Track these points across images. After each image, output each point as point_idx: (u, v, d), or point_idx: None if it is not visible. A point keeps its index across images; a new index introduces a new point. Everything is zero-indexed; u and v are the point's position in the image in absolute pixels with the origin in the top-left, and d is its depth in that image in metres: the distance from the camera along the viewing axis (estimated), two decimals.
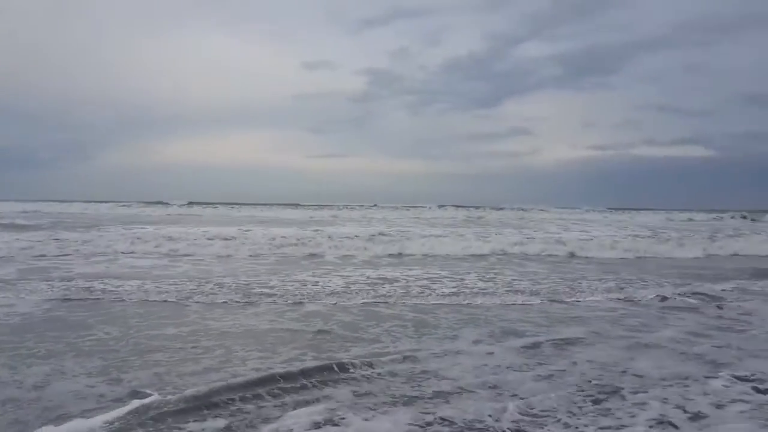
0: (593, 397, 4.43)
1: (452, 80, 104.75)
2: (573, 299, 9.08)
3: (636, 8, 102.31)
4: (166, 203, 52.59)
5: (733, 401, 4.40)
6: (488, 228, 27.35)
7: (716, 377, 5.01)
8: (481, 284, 10.46)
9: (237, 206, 52.19)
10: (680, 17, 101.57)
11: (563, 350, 5.96)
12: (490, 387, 4.70)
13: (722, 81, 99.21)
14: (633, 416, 4.04)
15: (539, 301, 8.83)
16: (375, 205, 56.05)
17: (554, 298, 9.10)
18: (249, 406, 4.12)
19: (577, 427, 3.82)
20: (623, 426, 3.85)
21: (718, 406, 4.27)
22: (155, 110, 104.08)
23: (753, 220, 42.54)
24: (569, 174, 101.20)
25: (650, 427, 3.85)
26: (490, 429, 3.82)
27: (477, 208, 54.80)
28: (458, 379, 4.90)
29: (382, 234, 20.67)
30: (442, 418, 3.98)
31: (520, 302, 8.75)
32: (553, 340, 6.37)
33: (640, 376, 5.03)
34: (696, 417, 4.05)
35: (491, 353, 5.79)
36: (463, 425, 3.88)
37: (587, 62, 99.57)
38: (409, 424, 3.84)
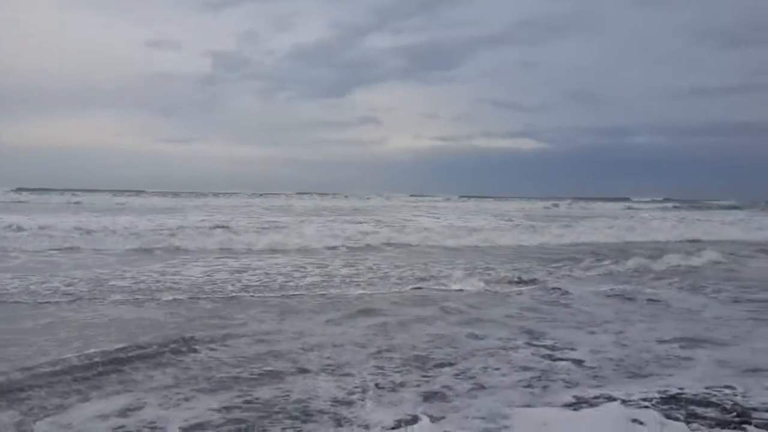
0: (401, 371, 4.85)
1: (300, 67, 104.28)
2: (427, 283, 9.79)
3: (477, 5, 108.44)
4: None
5: (523, 369, 4.94)
6: (343, 215, 28.06)
7: (524, 347, 5.67)
8: (344, 271, 10.97)
9: (74, 193, 48.21)
10: (517, 15, 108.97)
11: (407, 327, 6.53)
12: (325, 365, 5.00)
13: (551, 78, 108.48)
14: (417, 386, 4.43)
15: (396, 287, 9.36)
16: (225, 193, 54.62)
17: (410, 283, 9.75)
18: (53, 398, 4.10)
19: (364, 402, 4.10)
20: (401, 402, 4.12)
21: (504, 375, 4.77)
22: None
23: (569, 206, 48.90)
24: (416, 163, 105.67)
25: (414, 403, 4.11)
26: (300, 410, 3.98)
27: (333, 195, 55.49)
28: (297, 360, 5.19)
29: (237, 222, 20.48)
30: (254, 402, 4.10)
31: (381, 287, 9.30)
32: (403, 318, 6.95)
33: (455, 347, 5.63)
34: (476, 388, 4.47)
35: (343, 333, 6.23)
36: (270, 407, 4.02)
37: (431, 56, 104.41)
38: (210, 410, 3.92)
